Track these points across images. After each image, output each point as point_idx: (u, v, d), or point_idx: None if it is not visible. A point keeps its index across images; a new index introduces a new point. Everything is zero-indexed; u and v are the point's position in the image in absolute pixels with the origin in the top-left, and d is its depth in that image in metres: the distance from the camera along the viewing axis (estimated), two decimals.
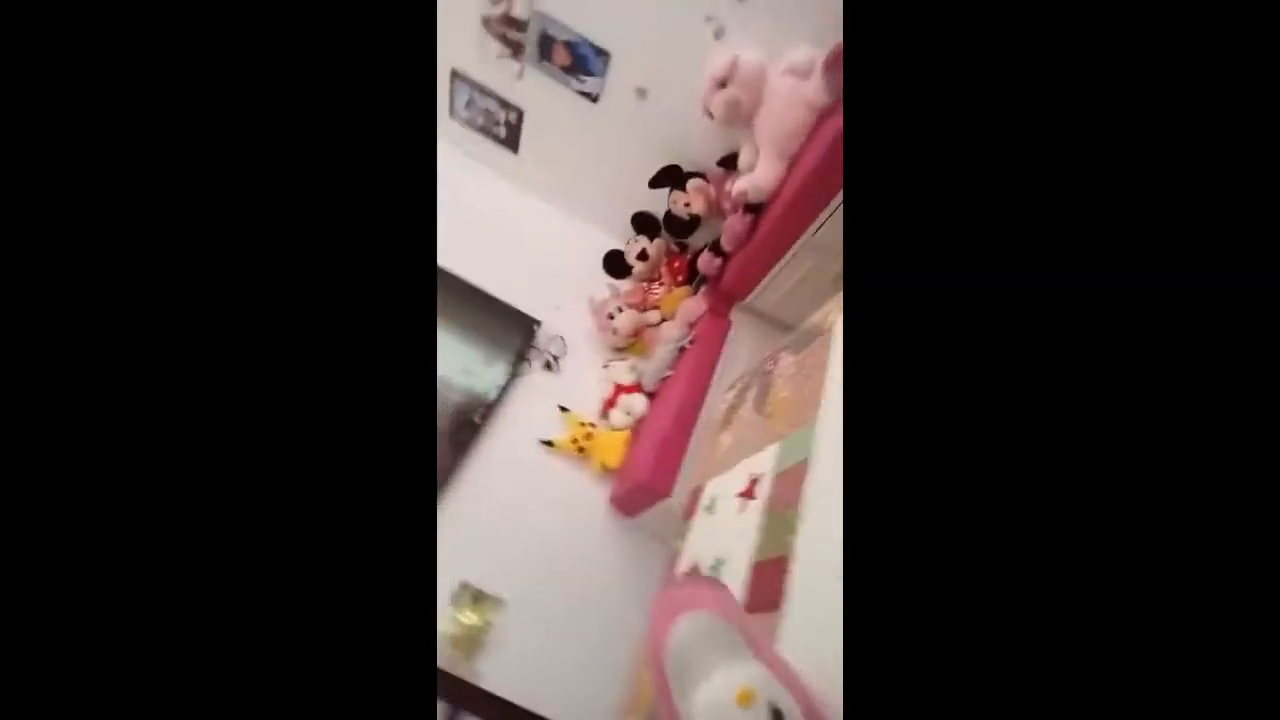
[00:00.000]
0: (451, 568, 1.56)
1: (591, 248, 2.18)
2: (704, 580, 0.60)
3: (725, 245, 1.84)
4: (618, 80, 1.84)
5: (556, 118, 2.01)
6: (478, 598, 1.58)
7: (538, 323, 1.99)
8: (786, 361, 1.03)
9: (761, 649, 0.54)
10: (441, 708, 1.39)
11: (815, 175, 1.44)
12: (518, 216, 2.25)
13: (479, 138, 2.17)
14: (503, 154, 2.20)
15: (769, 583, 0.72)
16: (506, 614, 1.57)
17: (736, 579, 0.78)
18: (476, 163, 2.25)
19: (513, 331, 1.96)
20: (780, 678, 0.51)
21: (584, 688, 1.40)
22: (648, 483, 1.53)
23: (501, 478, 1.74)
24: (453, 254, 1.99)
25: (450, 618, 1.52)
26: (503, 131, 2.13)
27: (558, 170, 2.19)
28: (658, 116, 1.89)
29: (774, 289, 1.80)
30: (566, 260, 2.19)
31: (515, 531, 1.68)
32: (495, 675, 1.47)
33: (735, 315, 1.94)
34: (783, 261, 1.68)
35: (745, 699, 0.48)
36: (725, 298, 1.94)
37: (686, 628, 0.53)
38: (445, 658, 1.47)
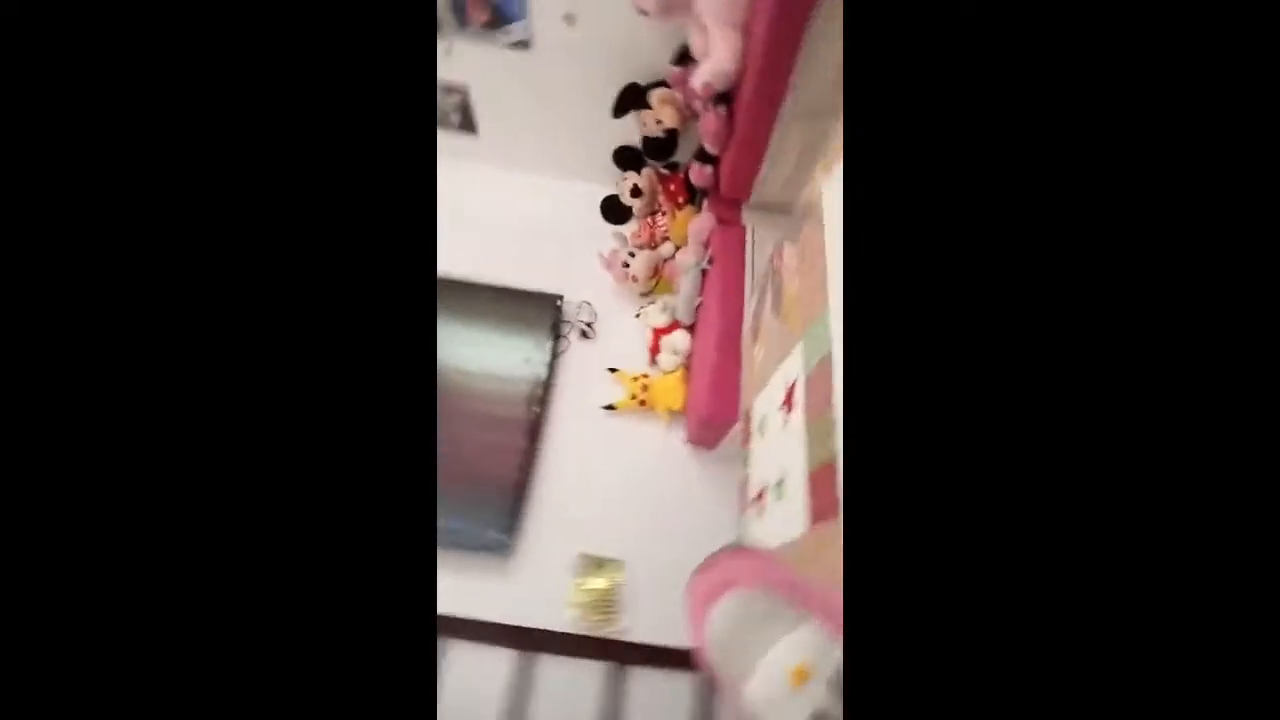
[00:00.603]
0: (565, 544, 1.67)
1: (586, 202, 2.10)
2: (735, 553, 0.55)
3: (709, 147, 1.69)
4: (542, 16, 1.70)
5: (499, 81, 1.90)
6: (598, 564, 1.69)
7: (559, 298, 1.98)
8: (789, 254, 0.94)
9: (810, 600, 0.50)
10: (605, 668, 1.53)
11: (774, 35, 1.25)
12: (502, 197, 2.21)
13: (439, 133, 2.12)
14: (465, 140, 2.14)
15: (825, 492, 0.68)
16: (628, 572, 1.66)
17: (798, 495, 0.76)
18: (446, 159, 2.21)
19: (541, 314, 1.96)
20: (834, 615, 0.48)
21: None
22: (710, 416, 1.51)
23: (578, 453, 1.80)
24: (457, 259, 2.01)
25: (579, 589, 1.64)
26: (456, 118, 2.06)
27: (521, 134, 2.10)
28: (595, 39, 1.73)
29: (774, 176, 1.64)
30: (564, 223, 2.13)
31: (609, 496, 1.75)
32: (638, 628, 1.58)
33: (747, 217, 1.80)
34: (772, 142, 1.51)
35: (800, 678, 0.44)
36: (730, 203, 1.80)
37: (721, 616, 0.50)
38: (589, 625, 1.59)
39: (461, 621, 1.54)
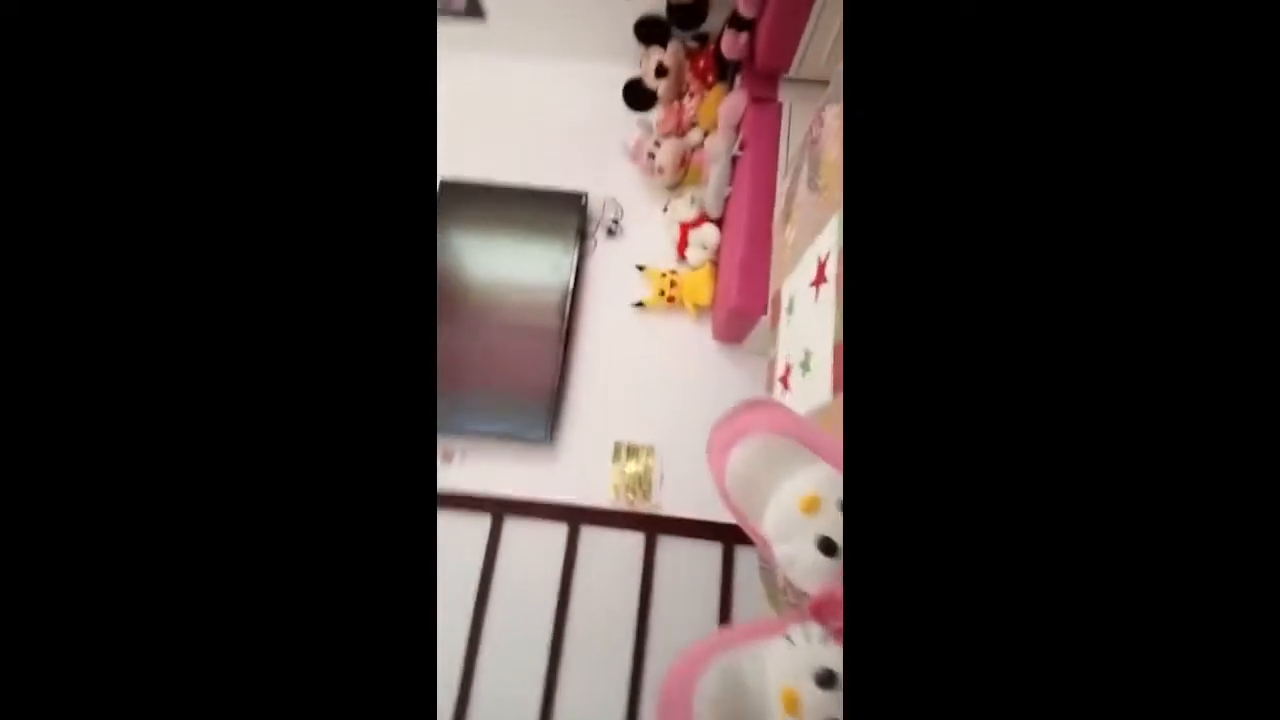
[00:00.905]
0: (601, 434, 1.78)
1: (607, 86, 1.96)
2: (753, 404, 0.56)
3: (744, 11, 1.52)
4: None
5: None
6: (631, 450, 1.80)
7: (584, 195, 1.93)
8: (830, 115, 0.88)
9: (822, 446, 0.52)
10: (640, 539, 1.70)
11: None
12: (516, 89, 2.08)
13: (442, 21, 1.97)
14: (472, 27, 1.98)
15: None
16: (660, 457, 1.77)
17: (824, 368, 0.77)
18: (453, 51, 2.07)
19: (566, 213, 1.92)
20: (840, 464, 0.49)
21: None
22: (738, 306, 1.51)
23: (609, 349, 1.85)
24: (478, 160, 1.95)
25: (617, 471, 1.77)
26: (461, 2, 1.90)
27: (533, 13, 1.92)
28: None
29: (816, 46, 1.48)
30: (585, 112, 2.02)
31: (641, 389, 1.82)
32: (670, 504, 1.72)
33: (784, 93, 1.66)
34: (818, 5, 1.35)
35: (810, 506, 0.45)
36: (765, 78, 1.65)
37: (739, 458, 0.51)
38: (625, 502, 1.74)
39: (518, 502, 1.71)
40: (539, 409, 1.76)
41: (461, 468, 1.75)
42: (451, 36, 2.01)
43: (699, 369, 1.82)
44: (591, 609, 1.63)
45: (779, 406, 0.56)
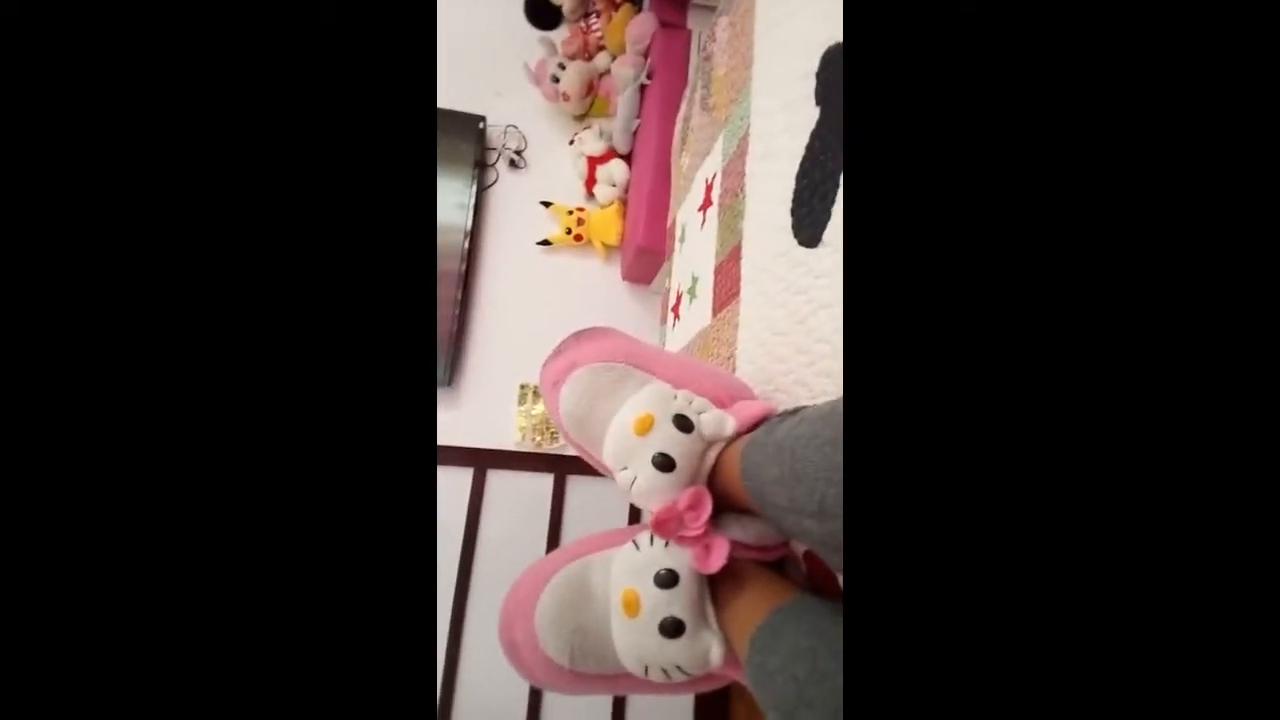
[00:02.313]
0: (505, 377, 1.72)
1: (507, 2, 1.78)
2: (580, 335, 0.53)
3: None
4: None
5: None
6: (538, 392, 1.76)
7: (482, 119, 1.77)
8: (721, 27, 0.84)
9: (656, 365, 0.51)
10: (551, 480, 1.69)
11: None
12: None
13: None
14: None
15: (727, 277, 0.69)
16: None
17: (706, 291, 0.77)
18: None
19: (463, 139, 1.76)
20: (681, 382, 0.49)
21: None
22: (645, 245, 1.48)
23: (513, 290, 1.77)
24: None
25: (523, 414, 1.73)
26: None
27: None
28: None
29: None
30: (480, 26, 1.83)
31: (546, 330, 1.77)
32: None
33: (693, 19, 1.59)
34: None
35: (643, 426, 0.44)
36: (674, 2, 1.57)
37: (570, 395, 0.49)
38: (532, 444, 1.72)
39: None
40: (440, 352, 1.67)
41: None
42: None
43: (607, 310, 1.80)
44: (500, 553, 1.62)
45: (608, 333, 0.53)
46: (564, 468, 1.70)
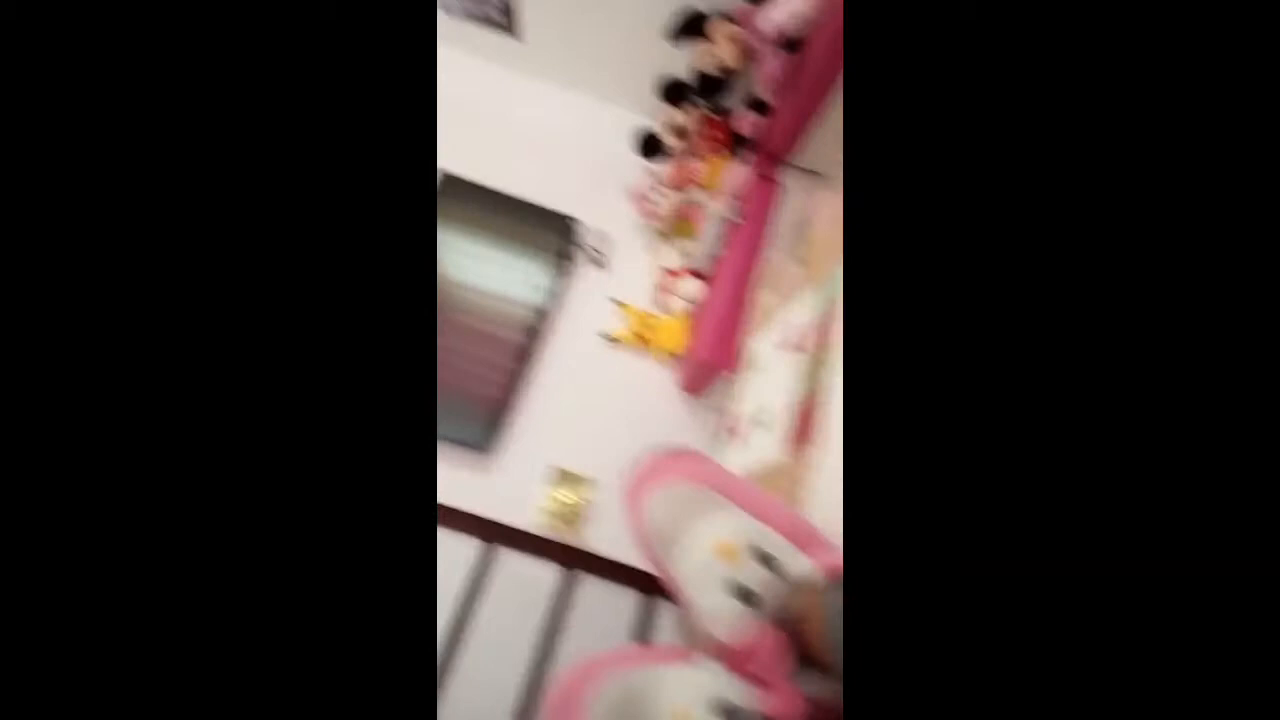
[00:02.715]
0: (541, 455, 1.74)
1: (620, 128, 2.06)
2: (673, 452, 0.56)
3: (764, 94, 1.65)
4: None
5: None
6: (569, 478, 1.76)
7: (575, 220, 1.97)
8: (825, 202, 0.95)
9: (741, 496, 0.52)
10: (557, 571, 1.64)
11: None
12: (534, 108, 2.15)
13: (476, 28, 2.04)
14: (505, 41, 2.06)
15: (805, 421, 0.72)
16: (598, 491, 1.74)
17: (774, 424, 0.80)
18: (480, 59, 2.14)
19: (552, 233, 1.96)
20: (765, 518, 0.50)
21: None
22: (709, 359, 1.55)
23: (571, 375, 1.84)
24: (476, 161, 1.98)
25: (550, 498, 1.72)
26: (498, 14, 1.98)
27: (566, 46, 2.02)
28: None
29: (826, 138, 1.61)
30: (595, 147, 2.10)
31: (592, 420, 1.81)
32: (598, 542, 1.67)
33: (786, 176, 1.79)
34: (829, 107, 1.48)
35: (725, 552, 0.45)
36: (771, 159, 1.78)
37: (655, 501, 0.51)
38: (553, 531, 1.68)
39: (440, 508, 1.62)
40: (481, 415, 1.72)
41: None
42: (489, 48, 2.08)
43: (655, 413, 1.83)
44: (490, 638, 1.53)
45: (700, 456, 0.56)
46: (578, 562, 1.64)
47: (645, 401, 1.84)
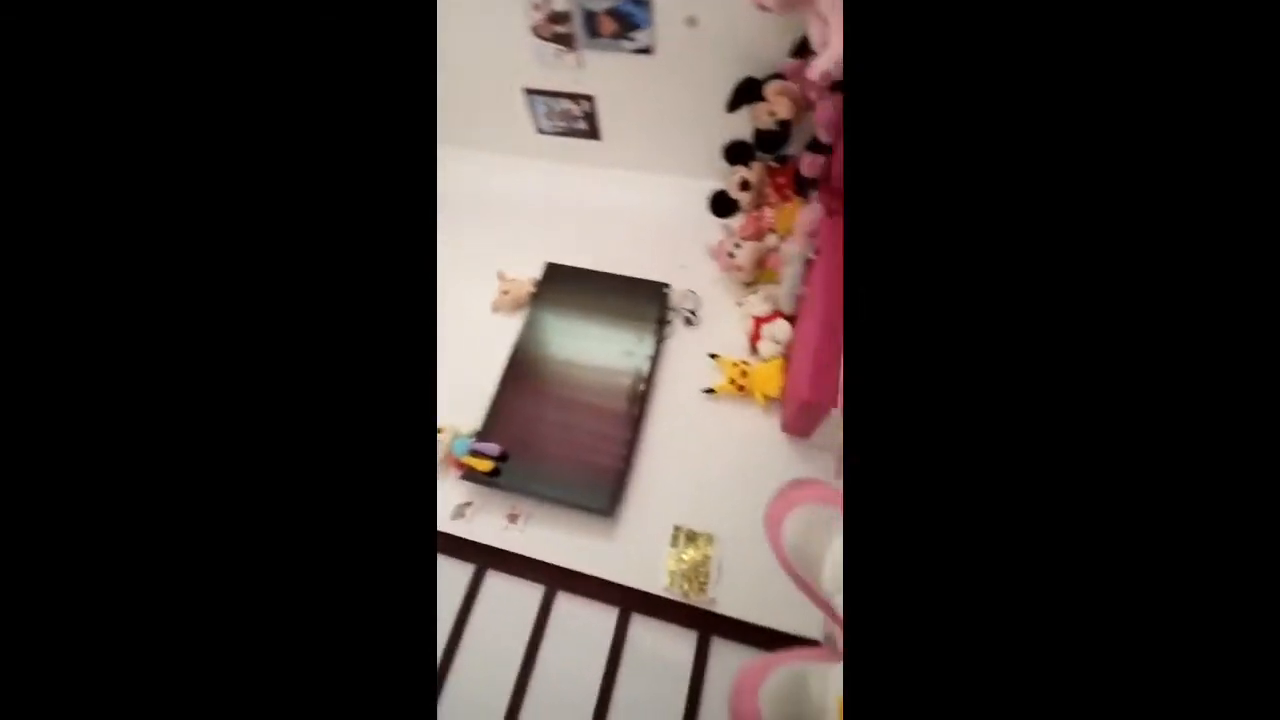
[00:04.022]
0: (661, 516, 1.78)
1: (696, 197, 2.20)
2: (799, 481, 0.63)
3: (822, 136, 1.70)
4: (665, 21, 1.83)
5: (623, 87, 2.08)
6: (691, 537, 1.77)
7: (666, 285, 2.10)
8: None
9: None
10: (690, 635, 1.62)
11: None
12: (619, 196, 2.38)
13: (566, 140, 2.35)
14: (589, 145, 2.35)
15: None
16: (721, 547, 1.73)
17: None
18: (571, 165, 2.45)
19: (649, 301, 2.10)
20: None
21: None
22: (810, 398, 1.53)
23: (678, 433, 1.90)
24: (579, 252, 2.22)
25: (675, 557, 1.74)
26: (583, 124, 2.28)
27: (639, 137, 2.26)
28: (714, 39, 1.82)
29: None
30: (676, 217, 2.26)
31: (706, 474, 1.83)
32: (726, 600, 1.64)
33: None
34: None
35: None
36: (837, 194, 1.79)
37: (792, 527, 0.57)
38: (680, 592, 1.69)
39: (574, 574, 1.71)
40: (604, 483, 1.81)
41: (523, 531, 1.80)
42: (574, 151, 2.40)
43: (765, 461, 1.81)
44: (630, 707, 1.53)
45: (821, 482, 0.62)
46: (710, 627, 1.61)
47: (754, 450, 1.83)
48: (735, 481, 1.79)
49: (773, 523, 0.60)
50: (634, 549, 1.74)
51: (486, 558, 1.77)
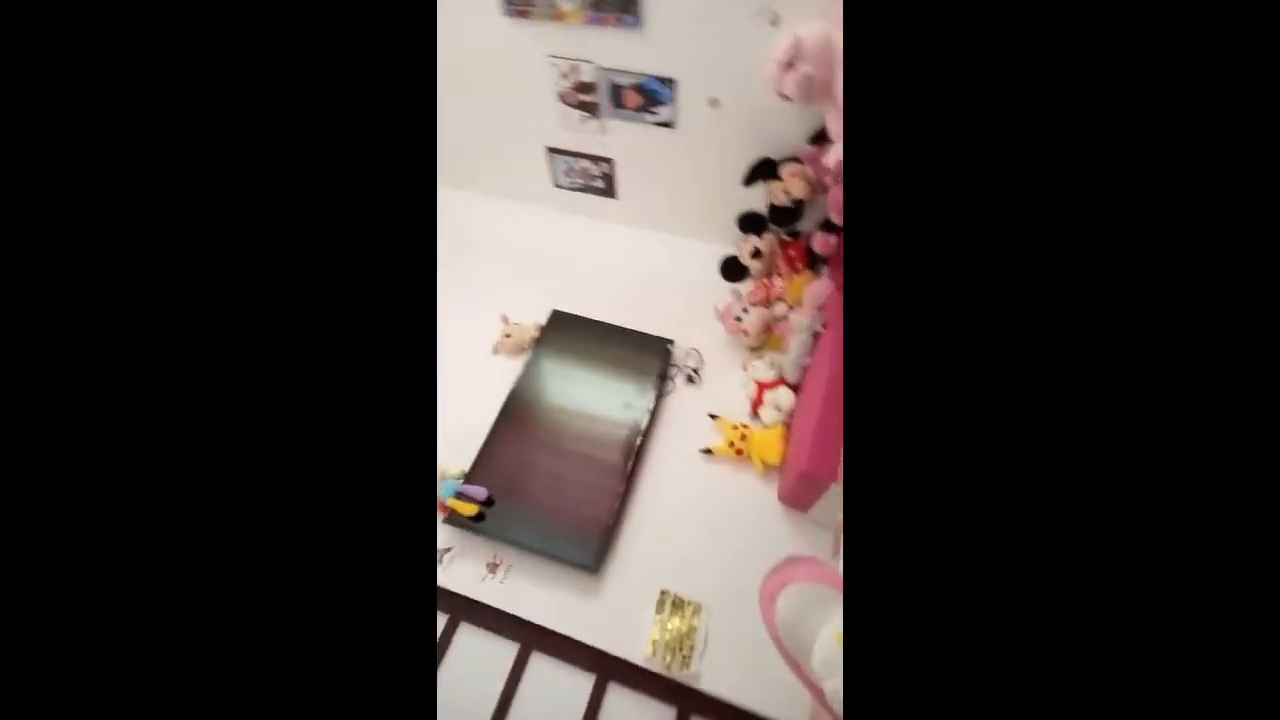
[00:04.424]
0: (648, 578, 1.72)
1: (706, 260, 2.27)
2: (794, 559, 0.65)
3: (835, 220, 1.78)
4: (688, 100, 1.95)
5: (643, 154, 2.18)
6: (678, 604, 1.70)
7: (670, 342, 2.13)
8: None
9: None
10: (669, 711, 1.53)
11: None
12: (631, 251, 2.45)
13: (582, 196, 2.44)
14: (605, 203, 2.44)
15: None
16: (709, 617, 1.66)
17: None
18: (586, 218, 2.53)
19: (652, 355, 2.11)
20: None
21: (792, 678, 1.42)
22: (810, 470, 1.52)
23: (671, 491, 1.86)
24: (587, 303, 2.25)
25: (659, 624, 1.67)
26: (601, 183, 2.37)
27: (656, 200, 2.35)
28: (736, 119, 1.93)
29: None
30: (685, 277, 2.31)
31: (696, 538, 1.78)
32: (710, 676, 1.57)
33: None
34: None
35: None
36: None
37: (785, 605, 0.58)
38: (662, 663, 1.61)
39: (551, 634, 1.62)
40: (591, 537, 1.76)
41: (503, 582, 1.72)
42: (591, 208, 2.48)
43: (760, 530, 1.78)
44: None
45: (819, 560, 0.63)
46: (690, 704, 1.53)
47: (748, 519, 1.80)
48: (727, 549, 1.74)
49: (767, 598, 0.61)
50: (617, 610, 1.67)
51: (462, 609, 1.68)
